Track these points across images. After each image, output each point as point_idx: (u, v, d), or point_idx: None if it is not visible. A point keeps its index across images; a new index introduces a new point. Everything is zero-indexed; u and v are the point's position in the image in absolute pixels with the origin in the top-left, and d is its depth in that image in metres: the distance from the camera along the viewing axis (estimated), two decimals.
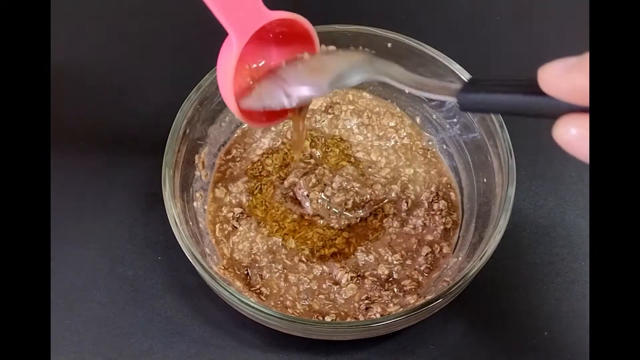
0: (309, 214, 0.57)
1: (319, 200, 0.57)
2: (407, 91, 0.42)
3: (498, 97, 0.37)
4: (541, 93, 0.36)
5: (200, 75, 0.57)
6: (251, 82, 0.47)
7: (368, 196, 0.57)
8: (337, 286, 0.54)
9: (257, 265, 0.55)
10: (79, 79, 0.70)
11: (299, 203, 0.58)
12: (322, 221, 0.57)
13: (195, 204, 0.57)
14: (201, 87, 0.56)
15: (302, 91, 0.43)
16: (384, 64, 0.43)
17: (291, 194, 0.58)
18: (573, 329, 0.55)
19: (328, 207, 0.57)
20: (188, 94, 0.56)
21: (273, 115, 0.49)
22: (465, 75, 0.56)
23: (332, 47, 0.48)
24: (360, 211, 0.57)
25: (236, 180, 0.59)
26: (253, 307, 0.48)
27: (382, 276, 0.55)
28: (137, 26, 0.74)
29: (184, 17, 0.75)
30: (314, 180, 0.58)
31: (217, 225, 0.57)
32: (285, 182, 0.58)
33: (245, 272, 0.55)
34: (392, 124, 0.62)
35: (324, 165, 0.59)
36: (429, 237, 0.56)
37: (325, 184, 0.58)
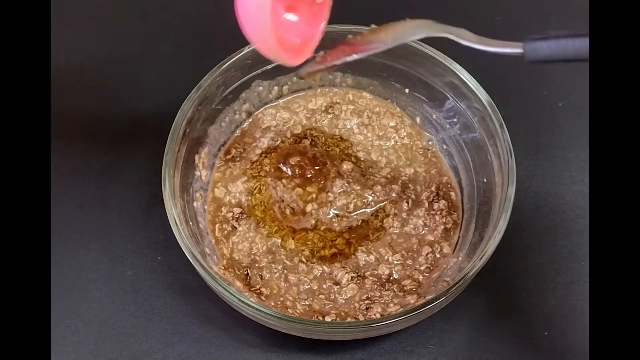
0: (312, 224, 0.57)
1: (320, 212, 0.57)
2: (471, 46, 0.45)
3: (567, 42, 0.38)
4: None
5: (200, 75, 0.57)
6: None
7: (370, 198, 0.57)
8: (338, 286, 0.54)
9: (257, 265, 0.55)
10: (79, 79, 0.70)
11: (296, 216, 0.58)
12: (323, 227, 0.57)
13: (195, 204, 0.57)
14: (201, 87, 0.56)
15: (366, 46, 0.47)
16: (447, 26, 0.47)
17: (285, 208, 0.58)
18: (573, 329, 0.55)
19: (329, 215, 0.57)
20: (188, 94, 0.56)
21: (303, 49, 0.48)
22: (464, 75, 0.56)
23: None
24: (362, 212, 0.57)
25: (235, 180, 0.59)
26: (253, 307, 0.48)
27: (383, 276, 0.55)
28: (137, 26, 0.74)
29: (183, 17, 0.75)
30: (315, 191, 0.58)
31: (217, 225, 0.57)
32: (279, 192, 0.58)
33: (245, 272, 0.55)
34: (392, 123, 0.62)
35: (334, 162, 0.59)
36: (430, 237, 0.56)
37: (327, 192, 0.57)
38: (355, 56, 0.47)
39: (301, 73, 0.49)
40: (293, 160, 0.59)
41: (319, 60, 0.48)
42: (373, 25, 0.49)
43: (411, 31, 0.47)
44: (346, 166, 0.59)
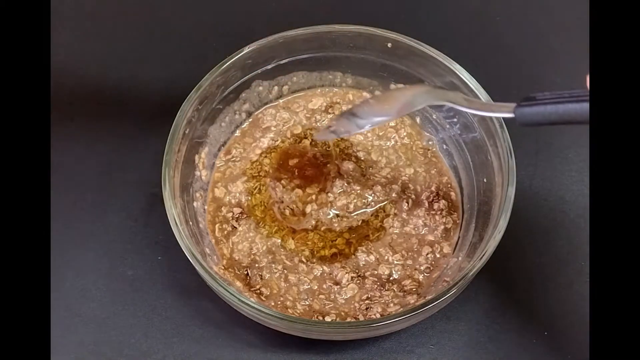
0: (312, 225, 0.57)
1: (320, 213, 0.57)
2: (466, 111, 0.49)
3: (553, 108, 0.40)
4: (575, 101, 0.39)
5: (200, 75, 0.57)
6: None
7: (370, 198, 0.57)
8: (338, 286, 0.54)
9: (257, 265, 0.55)
10: (79, 79, 0.70)
11: (296, 217, 0.58)
12: (324, 227, 0.57)
13: (195, 204, 0.57)
14: (201, 87, 0.56)
15: (374, 119, 0.50)
16: (444, 91, 0.50)
17: (284, 209, 0.58)
18: (573, 329, 0.55)
19: (329, 215, 0.57)
20: (188, 94, 0.56)
21: None
22: (464, 75, 0.56)
23: (400, 85, 0.54)
24: (362, 212, 0.57)
25: (235, 180, 0.59)
26: (253, 307, 0.48)
27: (383, 276, 0.55)
28: (137, 26, 0.74)
29: (183, 17, 0.75)
30: (315, 191, 0.58)
31: (217, 225, 0.57)
32: (278, 193, 0.58)
33: (245, 272, 0.55)
34: (392, 123, 0.62)
35: (335, 162, 0.59)
36: (430, 237, 0.56)
37: (327, 192, 0.58)
38: (365, 129, 0.52)
39: (315, 138, 0.55)
40: (292, 162, 0.59)
41: (332, 130, 0.52)
42: (377, 92, 0.52)
43: (413, 102, 0.49)
44: (347, 166, 0.59)
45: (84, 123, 0.67)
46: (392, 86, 0.53)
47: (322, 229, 0.57)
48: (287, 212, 0.57)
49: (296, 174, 0.59)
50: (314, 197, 0.57)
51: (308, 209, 0.57)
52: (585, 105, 0.38)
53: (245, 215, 0.57)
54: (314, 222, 0.57)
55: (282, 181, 0.59)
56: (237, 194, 0.59)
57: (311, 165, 0.59)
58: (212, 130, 0.60)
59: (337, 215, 0.57)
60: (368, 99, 0.53)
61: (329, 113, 0.63)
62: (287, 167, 0.60)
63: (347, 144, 0.61)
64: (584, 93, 0.39)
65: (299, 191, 0.58)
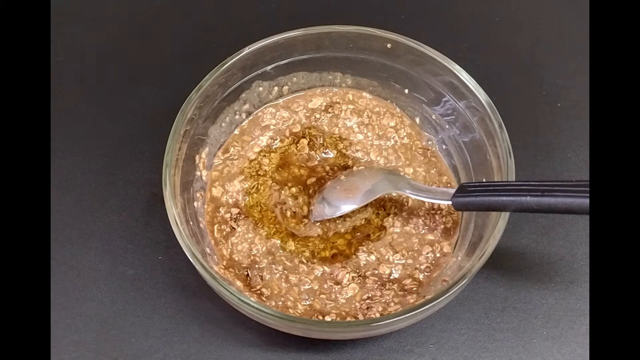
0: (318, 233, 0.57)
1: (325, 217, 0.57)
2: (414, 198, 0.55)
3: (480, 199, 0.49)
4: (504, 194, 0.47)
5: (200, 75, 0.57)
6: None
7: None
8: (339, 286, 0.54)
9: (257, 266, 0.55)
10: (79, 79, 0.70)
11: (296, 219, 0.58)
12: (331, 232, 0.57)
13: (195, 203, 0.57)
14: (201, 87, 0.56)
15: (343, 208, 0.56)
16: (397, 178, 0.57)
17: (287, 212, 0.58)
18: (573, 329, 0.55)
19: (336, 220, 0.57)
20: (188, 94, 0.56)
21: None
22: (464, 76, 0.56)
23: (361, 168, 0.60)
24: (364, 211, 0.57)
25: (233, 179, 0.59)
26: (253, 307, 0.48)
27: (384, 276, 0.55)
28: (137, 26, 0.74)
29: (184, 17, 0.75)
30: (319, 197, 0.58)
31: (216, 226, 0.57)
32: (287, 201, 0.59)
33: (245, 273, 0.55)
34: (392, 124, 0.62)
35: (340, 175, 0.60)
36: (430, 237, 0.56)
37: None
38: (336, 215, 0.56)
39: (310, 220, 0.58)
40: (295, 168, 0.60)
41: (312, 212, 0.57)
42: (342, 175, 0.58)
43: (374, 190, 0.56)
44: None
45: (84, 123, 0.67)
46: (355, 169, 0.59)
47: (330, 234, 0.57)
48: (289, 213, 0.58)
49: (300, 179, 0.59)
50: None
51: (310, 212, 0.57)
52: (502, 199, 0.47)
53: (243, 216, 0.57)
54: (320, 231, 0.57)
55: (289, 183, 0.59)
56: (234, 194, 0.59)
57: (314, 171, 0.60)
58: (212, 130, 0.60)
59: (341, 217, 0.57)
60: (335, 184, 0.57)
61: (329, 112, 0.63)
62: (290, 171, 0.60)
63: (345, 144, 0.61)
64: (506, 186, 0.48)
65: (305, 198, 0.58)
